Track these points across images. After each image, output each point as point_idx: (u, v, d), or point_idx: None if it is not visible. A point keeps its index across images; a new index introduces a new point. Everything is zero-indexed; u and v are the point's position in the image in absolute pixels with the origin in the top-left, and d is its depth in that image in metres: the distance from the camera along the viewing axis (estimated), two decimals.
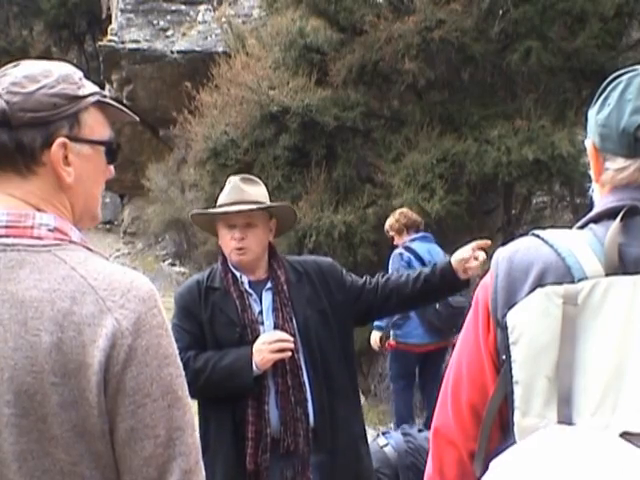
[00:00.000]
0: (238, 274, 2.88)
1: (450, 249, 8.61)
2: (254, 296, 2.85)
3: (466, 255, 2.88)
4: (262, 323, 2.82)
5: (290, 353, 2.74)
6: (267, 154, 9.59)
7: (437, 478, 1.46)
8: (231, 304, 2.82)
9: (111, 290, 1.25)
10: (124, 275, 1.29)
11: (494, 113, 8.73)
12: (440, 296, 3.23)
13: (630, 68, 1.38)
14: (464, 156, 8.31)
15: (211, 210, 2.99)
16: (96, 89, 1.40)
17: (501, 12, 8.74)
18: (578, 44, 8.47)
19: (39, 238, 1.29)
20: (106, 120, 1.43)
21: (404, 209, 6.44)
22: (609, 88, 1.39)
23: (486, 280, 1.41)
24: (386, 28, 8.62)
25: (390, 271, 5.62)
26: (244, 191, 2.88)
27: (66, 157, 1.33)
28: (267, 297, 2.85)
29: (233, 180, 2.94)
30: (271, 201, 2.97)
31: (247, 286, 2.87)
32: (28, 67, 1.34)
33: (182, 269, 13.61)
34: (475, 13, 8.71)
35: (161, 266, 13.71)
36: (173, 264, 14.05)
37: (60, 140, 1.32)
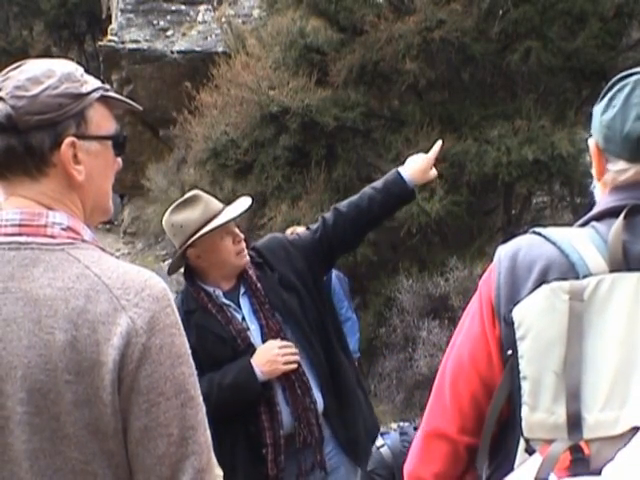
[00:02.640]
0: (211, 289, 2.88)
1: (451, 249, 8.62)
2: (232, 306, 2.86)
3: (424, 164, 3.04)
4: (248, 329, 2.83)
5: (296, 365, 2.77)
6: (267, 154, 9.58)
7: (425, 471, 1.44)
8: (213, 321, 2.81)
9: (125, 289, 1.26)
10: (138, 274, 1.29)
11: (494, 113, 8.73)
12: (391, 209, 3.21)
13: (638, 69, 1.39)
14: (464, 156, 8.31)
15: (217, 222, 2.87)
16: (98, 84, 1.40)
17: (501, 12, 8.75)
18: (578, 44, 8.48)
19: (52, 237, 1.29)
20: (111, 113, 1.42)
21: (296, 228, 5.74)
22: (615, 88, 1.39)
23: (488, 276, 1.41)
24: (386, 28, 8.62)
25: (342, 295, 5.57)
26: (214, 201, 2.91)
27: (75, 156, 1.33)
28: (245, 302, 2.86)
29: (191, 205, 2.89)
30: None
31: (223, 299, 2.86)
32: (30, 69, 1.34)
33: (182, 269, 13.57)
34: (475, 13, 8.71)
35: (161, 266, 13.67)
36: None
37: (69, 140, 1.32)
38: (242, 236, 2.89)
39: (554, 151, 7.97)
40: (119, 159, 1.45)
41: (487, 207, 9.80)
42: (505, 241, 1.44)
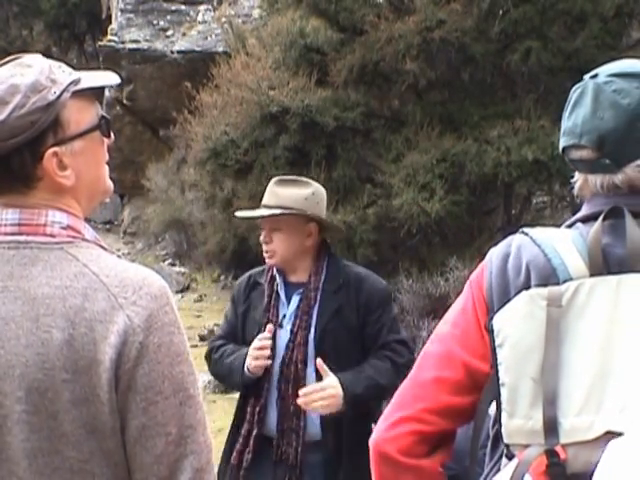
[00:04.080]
0: (277, 275, 2.86)
1: (451, 249, 8.60)
2: (282, 299, 2.83)
3: None
4: (282, 326, 2.80)
5: (269, 361, 2.72)
6: (267, 154, 9.58)
7: (391, 447, 1.40)
8: (260, 304, 2.83)
9: (123, 287, 1.25)
10: (136, 272, 1.28)
11: (494, 113, 8.74)
12: None
13: (590, 74, 1.41)
14: (464, 156, 8.31)
15: (238, 213, 3.13)
16: (68, 79, 1.32)
17: (501, 12, 8.75)
18: (578, 44, 8.48)
19: (52, 236, 1.28)
20: (88, 102, 1.35)
21: None
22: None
23: (480, 274, 1.41)
24: (386, 28, 8.62)
25: None
26: (275, 194, 2.84)
27: (60, 162, 1.30)
28: (295, 301, 2.82)
29: (270, 182, 2.91)
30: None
31: (280, 287, 2.84)
32: (18, 69, 1.28)
33: (182, 269, 13.59)
34: (475, 13, 8.72)
35: (161, 266, 13.67)
36: (173, 264, 14.03)
37: (49, 152, 1.28)
38: (267, 240, 2.81)
39: (554, 151, 7.96)
40: (111, 137, 1.40)
41: (487, 207, 9.80)
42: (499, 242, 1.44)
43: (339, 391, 2.60)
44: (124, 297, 1.24)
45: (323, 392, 2.62)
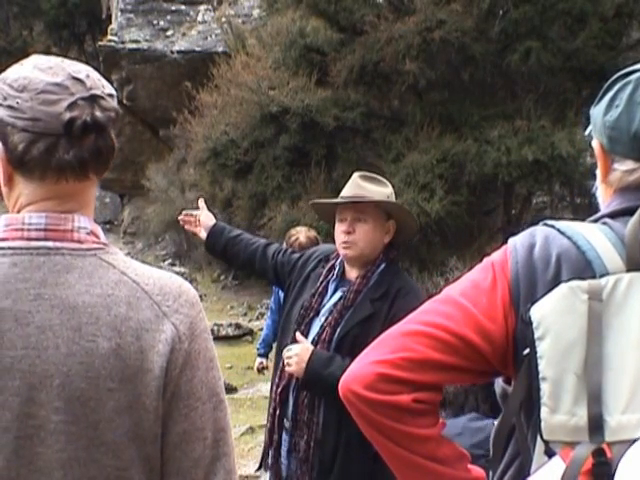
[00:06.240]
0: (337, 265, 2.84)
1: (451, 249, 8.60)
2: (329, 291, 2.82)
3: None
4: (317, 316, 2.80)
5: (290, 369, 2.73)
6: (267, 154, 9.59)
7: (356, 385, 1.31)
8: (312, 288, 2.83)
9: (164, 295, 1.27)
10: (171, 279, 1.31)
11: (494, 113, 8.74)
12: None
13: (637, 67, 1.36)
14: (464, 156, 8.31)
15: (322, 200, 3.14)
16: None
17: (501, 12, 8.76)
18: (578, 44, 8.48)
19: (80, 242, 1.26)
20: None
21: (303, 228, 5.61)
22: (616, 88, 1.35)
23: (504, 258, 1.34)
24: (386, 28, 8.63)
25: None
26: (361, 187, 2.84)
27: None
28: (336, 297, 2.80)
29: (353, 176, 2.91)
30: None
31: (333, 277, 2.83)
32: (83, 67, 1.31)
33: (182, 269, 13.58)
34: (475, 13, 8.72)
35: (161, 266, 13.68)
36: (173, 264, 14.03)
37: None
38: (349, 230, 2.78)
39: (554, 151, 7.98)
40: None
41: (487, 207, 9.81)
42: (506, 240, 1.40)
43: (304, 359, 2.69)
44: (167, 305, 1.26)
45: (290, 353, 2.74)
